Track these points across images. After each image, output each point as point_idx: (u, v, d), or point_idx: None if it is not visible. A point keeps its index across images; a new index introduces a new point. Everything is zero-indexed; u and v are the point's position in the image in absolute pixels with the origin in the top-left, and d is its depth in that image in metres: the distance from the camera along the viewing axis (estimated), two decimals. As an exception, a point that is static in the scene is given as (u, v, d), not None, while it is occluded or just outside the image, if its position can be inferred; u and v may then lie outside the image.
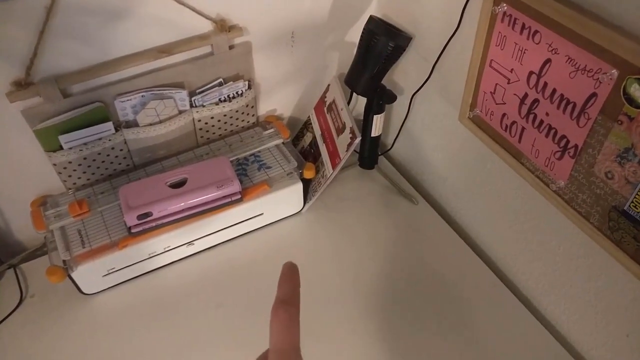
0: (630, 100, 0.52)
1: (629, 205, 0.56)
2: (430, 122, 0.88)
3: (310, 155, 0.95)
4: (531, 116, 0.65)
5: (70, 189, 0.82)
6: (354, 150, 0.95)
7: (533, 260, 0.76)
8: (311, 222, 0.90)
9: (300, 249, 0.85)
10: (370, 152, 0.96)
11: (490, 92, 0.71)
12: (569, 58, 0.57)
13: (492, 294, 0.80)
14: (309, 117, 0.97)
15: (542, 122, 0.64)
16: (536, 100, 0.64)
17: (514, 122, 0.69)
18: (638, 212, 0.56)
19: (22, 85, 0.69)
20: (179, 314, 0.76)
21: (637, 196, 0.55)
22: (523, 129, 0.67)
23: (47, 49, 0.68)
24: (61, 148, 0.76)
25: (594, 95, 0.56)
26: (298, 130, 1.00)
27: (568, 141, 0.61)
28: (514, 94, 0.67)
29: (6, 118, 0.71)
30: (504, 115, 0.70)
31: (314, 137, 0.94)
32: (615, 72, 0.52)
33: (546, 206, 0.69)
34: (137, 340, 0.73)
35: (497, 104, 0.70)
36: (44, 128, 0.72)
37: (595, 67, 0.54)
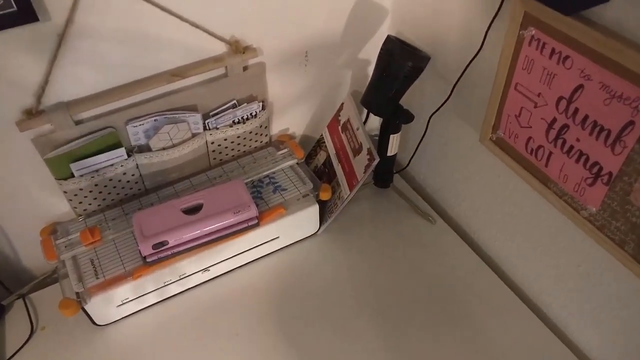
0: (671, 130, 0.50)
1: (668, 236, 0.55)
2: (449, 143, 0.87)
3: (324, 174, 0.93)
4: (560, 141, 0.64)
5: (80, 215, 0.79)
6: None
7: (558, 283, 0.74)
8: (327, 243, 0.88)
9: (316, 272, 0.83)
10: (386, 171, 0.94)
11: (515, 115, 0.69)
12: (603, 85, 0.55)
13: (511, 313, 0.78)
14: (321, 135, 0.95)
15: (572, 147, 0.62)
16: (566, 126, 0.62)
17: (540, 146, 0.67)
18: (677, 243, 0.54)
19: (33, 114, 0.66)
20: (195, 343, 0.74)
21: (676, 227, 0.54)
22: (550, 153, 0.66)
23: (58, 76, 0.66)
24: (72, 176, 0.73)
25: (631, 123, 0.54)
26: (311, 148, 0.98)
27: (601, 168, 0.59)
28: (542, 118, 0.65)
29: (16, 146, 0.68)
30: (529, 138, 0.68)
31: (328, 156, 0.92)
32: (654, 101, 0.51)
33: (574, 231, 0.68)
34: (154, 374, 0.71)
35: (522, 127, 0.69)
36: (55, 156, 0.70)
37: (633, 95, 0.53)
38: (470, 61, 0.73)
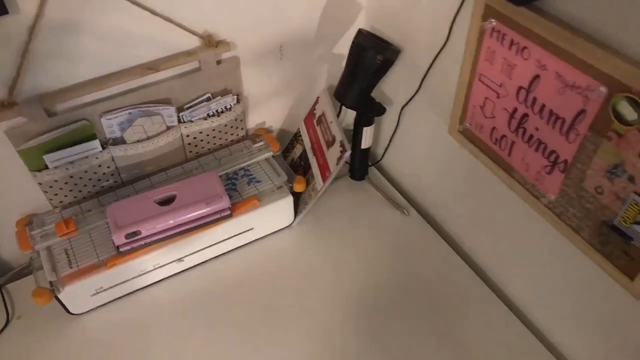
0: (619, 117, 0.52)
1: (619, 221, 0.57)
2: (420, 135, 0.88)
3: (300, 167, 0.94)
4: (521, 130, 0.65)
5: (56, 207, 0.80)
6: (345, 162, 0.95)
7: (523, 271, 0.76)
8: (302, 235, 0.90)
9: (291, 263, 0.85)
10: (361, 164, 0.95)
11: (480, 106, 0.71)
12: (557, 74, 0.57)
13: (481, 302, 0.80)
14: (298, 129, 0.97)
15: (531, 136, 0.64)
16: (526, 115, 0.64)
17: (503, 136, 0.69)
18: (628, 227, 0.56)
19: (5, 106, 0.67)
20: (169, 332, 0.75)
21: (626, 212, 0.55)
22: (513, 142, 0.67)
23: (30, 68, 0.67)
24: (46, 167, 0.74)
25: (583, 111, 0.56)
26: (288, 142, 1.00)
27: (558, 156, 0.61)
28: (504, 108, 0.67)
29: (-11, 138, 0.70)
30: (493, 129, 0.70)
31: (304, 150, 0.94)
32: (604, 89, 0.52)
33: (537, 219, 0.69)
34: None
35: (486, 117, 0.70)
36: (28, 148, 0.71)
37: (584, 84, 0.54)
38: (437, 54, 0.75)
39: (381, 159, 1.01)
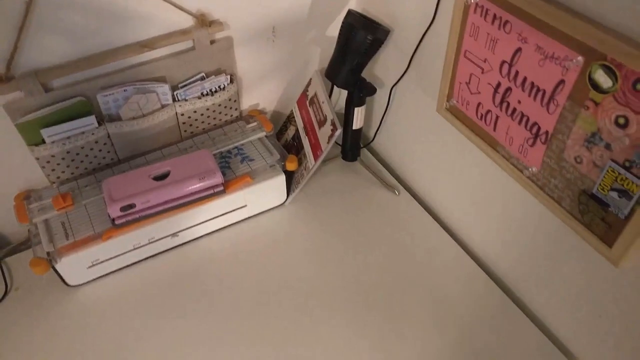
0: (596, 85, 0.54)
1: (597, 189, 0.58)
2: (410, 114, 0.90)
3: (293, 148, 0.96)
4: (504, 104, 0.67)
5: (54, 182, 0.82)
6: (337, 143, 0.96)
7: (511, 246, 0.78)
8: (294, 214, 0.91)
9: (283, 241, 0.87)
10: (353, 145, 0.97)
11: (466, 82, 0.72)
12: (537, 46, 0.59)
13: (469, 279, 0.81)
14: (292, 111, 0.99)
15: (515, 110, 0.66)
16: (509, 89, 0.65)
17: (488, 111, 0.70)
18: (605, 195, 0.58)
19: (3, 80, 0.69)
20: (164, 306, 0.77)
21: (604, 179, 0.57)
22: (497, 117, 0.69)
23: (27, 43, 0.69)
24: (44, 142, 0.76)
25: (562, 82, 0.57)
26: (282, 124, 1.02)
27: (539, 128, 0.63)
28: (488, 83, 0.68)
29: (-12, 112, 0.72)
30: (479, 104, 0.72)
31: (297, 130, 0.96)
32: (580, 58, 0.54)
33: (520, 192, 0.71)
34: (122, 331, 0.74)
35: (472, 93, 0.72)
36: (25, 122, 0.73)
37: (562, 55, 0.56)
38: (425, 33, 0.76)
39: (372, 140, 1.02)
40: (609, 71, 0.52)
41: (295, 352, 0.72)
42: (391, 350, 0.72)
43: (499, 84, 0.67)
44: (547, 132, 0.62)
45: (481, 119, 0.72)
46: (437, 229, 0.89)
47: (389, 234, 0.88)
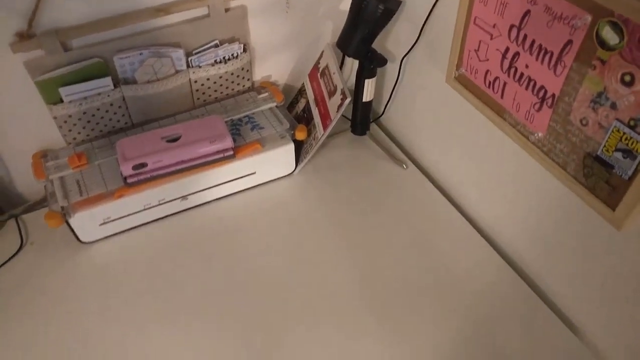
0: (603, 43, 0.54)
1: (602, 150, 0.59)
2: (419, 87, 0.91)
3: (303, 119, 0.97)
4: (512, 70, 0.67)
5: (70, 143, 0.85)
6: (346, 117, 0.98)
7: (516, 216, 0.78)
8: (303, 184, 0.93)
9: (291, 210, 0.88)
10: (362, 118, 0.98)
11: (475, 49, 0.73)
12: (546, 7, 0.59)
13: (475, 251, 0.82)
14: (303, 84, 1.00)
15: (522, 75, 0.66)
16: (517, 54, 0.66)
17: (496, 78, 0.71)
18: (610, 156, 0.58)
19: (25, 37, 0.72)
20: (170, 267, 0.79)
21: (609, 140, 0.57)
22: (505, 83, 0.70)
23: (48, 2, 0.71)
24: (61, 101, 0.79)
25: (569, 42, 0.58)
26: (293, 97, 1.03)
27: (546, 91, 0.63)
28: (497, 49, 0.69)
29: (10, 69, 0.74)
30: (487, 72, 0.72)
31: (307, 102, 0.97)
32: (588, 17, 0.54)
33: (526, 159, 0.71)
34: (130, 289, 0.76)
35: (480, 61, 0.73)
36: (45, 80, 0.76)
37: (570, 14, 0.56)
38: (435, 2, 0.77)
39: (381, 115, 1.03)
40: (616, 28, 0.52)
41: (299, 316, 0.73)
42: (397, 320, 0.73)
43: (507, 50, 0.67)
44: (553, 95, 0.62)
45: (489, 86, 0.73)
46: (445, 202, 0.89)
47: (396, 207, 0.89)
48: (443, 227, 0.85)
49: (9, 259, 0.79)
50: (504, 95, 0.71)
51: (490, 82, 0.72)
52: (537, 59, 0.63)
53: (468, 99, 0.78)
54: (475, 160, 0.83)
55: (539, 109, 0.65)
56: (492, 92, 0.72)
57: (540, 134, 0.67)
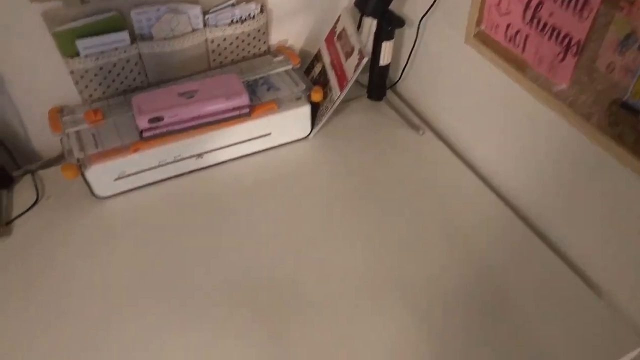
0: (631, -18, 0.53)
1: (629, 96, 0.57)
2: (437, 50, 0.89)
3: (318, 83, 0.96)
4: (535, 21, 0.66)
5: (86, 101, 0.85)
6: (361, 84, 0.97)
7: (536, 178, 0.77)
8: (317, 148, 0.92)
9: (305, 173, 0.87)
10: (379, 83, 0.97)
11: (495, 4, 0.72)
12: (573, -50, 0.58)
13: (492, 214, 0.81)
14: (318, 50, 0.99)
15: (545, 24, 0.65)
16: (540, 3, 0.64)
17: (518, 31, 0.69)
18: (637, 101, 0.56)
19: (43, -14, 0.72)
20: (184, 225, 0.78)
21: (636, 84, 0.56)
22: (527, 36, 0.68)
23: (67, -50, 0.71)
24: (78, 55, 0.79)
25: (596, -16, 0.56)
26: (308, 63, 1.02)
27: (571, 39, 0.62)
28: (519, 0, 0.67)
29: (28, 20, 0.74)
30: (508, 25, 0.71)
31: (323, 67, 0.96)
32: (617, -45, 0.53)
33: (549, 116, 0.70)
34: (142, 245, 0.76)
35: (501, 15, 0.71)
36: (62, 31, 0.76)
37: (597, -46, 0.55)
38: (457, -44, 0.76)
39: (397, 81, 1.02)
40: (647, -37, 0.51)
41: (309, 279, 0.73)
42: (409, 278, 0.72)
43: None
44: (578, 43, 0.61)
45: (510, 41, 0.71)
46: (462, 167, 0.88)
47: (412, 172, 0.87)
48: (461, 192, 0.84)
49: (26, 211, 0.79)
50: (526, 48, 0.69)
51: (511, 36, 0.71)
52: (562, 5, 0.62)
53: (487, 57, 0.76)
54: (493, 121, 0.82)
55: (563, 59, 0.64)
56: (513, 46, 0.71)
57: (563, 86, 0.65)
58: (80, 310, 0.67)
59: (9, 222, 0.78)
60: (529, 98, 0.72)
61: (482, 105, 0.83)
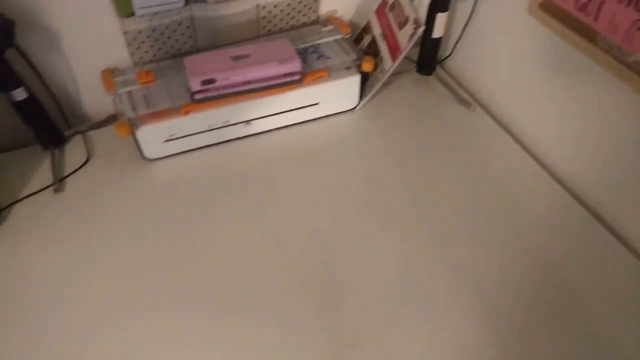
0: None
1: None
2: (495, 23, 0.86)
3: (368, 55, 0.94)
4: (612, -14, 0.63)
5: (136, 63, 0.85)
6: (410, 59, 0.94)
7: (598, 160, 0.74)
8: (365, 120, 0.90)
9: (351, 145, 0.86)
10: (430, 56, 0.94)
11: (568, -31, 0.68)
12: None
13: (549, 197, 0.78)
14: (367, 21, 0.97)
15: (624, -10, 0.61)
16: (620, -33, 0.61)
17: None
18: None
19: (103, -59, 0.71)
20: (228, 191, 0.78)
21: None
22: (601, 3, 0.65)
23: None
24: (133, 15, 0.78)
25: (688, -57, 0.53)
26: (357, 35, 1.00)
27: (652, 5, 0.58)
28: (595, -35, 0.64)
29: (87, -23, 0.74)
30: (580, -7, 0.67)
31: (373, 38, 0.94)
32: None
33: (620, 89, 0.67)
34: (186, 208, 0.75)
35: (574, -19, 0.68)
36: (119, -11, 0.75)
37: None
38: None
39: (448, 56, 0.99)
40: None
41: (353, 247, 0.71)
42: (462, 261, 0.70)
43: (608, -36, 0.62)
44: (661, 8, 0.58)
45: (580, 10, 0.68)
46: (515, 146, 0.85)
47: (461, 150, 0.85)
48: (515, 173, 0.81)
49: (77, 169, 0.80)
50: (599, 17, 0.66)
51: (583, 4, 0.68)
52: (645, -32, 0.58)
53: (553, 27, 0.73)
54: (555, 97, 0.79)
55: (641, 27, 0.61)
56: (584, 15, 0.68)
57: (639, 56, 0.62)
58: (126, 261, 0.68)
59: (62, 179, 0.78)
60: (598, 70, 0.69)
61: (543, 80, 0.80)
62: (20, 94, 0.75)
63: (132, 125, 0.76)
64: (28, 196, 0.76)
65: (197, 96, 0.77)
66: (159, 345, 0.60)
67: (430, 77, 0.98)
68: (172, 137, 0.79)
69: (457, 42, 0.96)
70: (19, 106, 0.76)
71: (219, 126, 0.81)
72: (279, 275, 0.67)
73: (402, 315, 0.63)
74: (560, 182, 0.80)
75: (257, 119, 0.84)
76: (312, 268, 0.68)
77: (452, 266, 0.68)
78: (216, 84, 0.77)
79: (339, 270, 0.68)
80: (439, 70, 1.00)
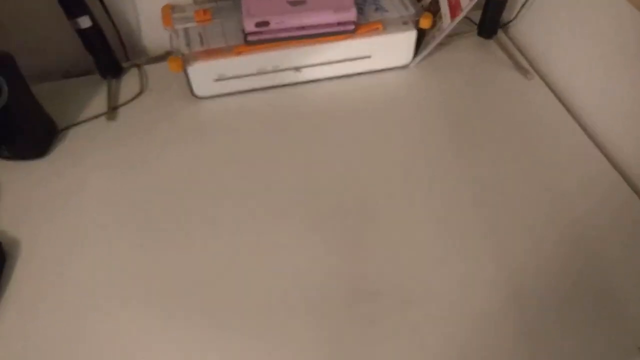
0: None
1: None
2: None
3: (429, 12, 0.91)
4: None
5: (197, 1, 0.86)
6: (471, 20, 0.91)
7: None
8: (417, 78, 0.88)
9: (401, 102, 0.84)
10: (493, 19, 0.90)
11: None
12: None
13: (601, 180, 0.74)
14: (432, -22, 0.93)
15: None
16: None
17: (679, -39, 0.61)
18: None
19: None
20: (272, 136, 0.78)
21: None
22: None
23: None
24: (195, -50, 0.79)
25: None
26: (418, -8, 0.97)
27: None
28: None
29: None
30: (668, -46, 0.62)
31: (434, -3, 0.90)
32: None
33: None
34: (230, 148, 0.77)
35: (663, -59, 0.62)
36: None
37: None
38: None
39: (510, 21, 0.94)
40: None
41: (394, 209, 0.71)
42: (506, 246, 0.69)
43: None
44: None
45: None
46: (570, 121, 0.81)
47: (512, 119, 0.81)
48: (565, 148, 0.78)
49: (130, 100, 0.83)
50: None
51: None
52: None
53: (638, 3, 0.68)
54: (617, 72, 0.74)
55: None
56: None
57: None
58: (169, 194, 0.71)
59: (115, 108, 0.82)
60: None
61: (610, 53, 0.75)
62: (85, 22, 0.78)
63: (185, 61, 0.77)
64: (84, 121, 0.80)
65: (250, 38, 0.78)
66: (218, 267, 0.63)
67: (491, 41, 0.94)
68: (222, 77, 0.81)
69: (522, 7, 0.91)
70: (83, 34, 0.80)
71: (268, 70, 0.82)
72: (317, 223, 0.68)
73: (435, 274, 0.63)
74: (611, 159, 0.76)
75: (307, 66, 0.83)
76: (348, 216, 0.68)
77: (494, 238, 0.67)
78: (270, 27, 0.77)
79: (375, 223, 0.68)
80: (500, 34, 0.95)
